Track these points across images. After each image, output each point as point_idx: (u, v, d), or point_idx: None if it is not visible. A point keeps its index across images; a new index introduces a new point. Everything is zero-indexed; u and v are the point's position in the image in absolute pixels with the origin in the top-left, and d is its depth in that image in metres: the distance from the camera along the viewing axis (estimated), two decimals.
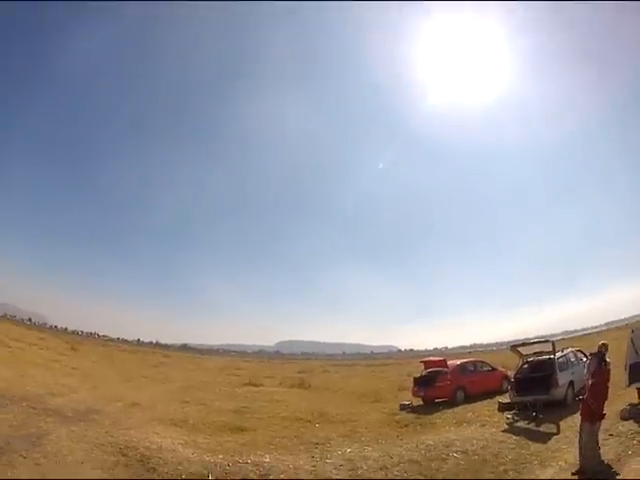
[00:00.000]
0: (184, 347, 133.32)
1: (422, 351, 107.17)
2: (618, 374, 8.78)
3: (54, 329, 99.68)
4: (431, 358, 20.19)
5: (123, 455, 8.98)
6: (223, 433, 11.84)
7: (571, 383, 13.59)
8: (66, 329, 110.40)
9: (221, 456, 9.27)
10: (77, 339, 65.20)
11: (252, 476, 8.29)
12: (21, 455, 8.03)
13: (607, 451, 7.86)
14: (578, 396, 9.16)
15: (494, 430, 11.46)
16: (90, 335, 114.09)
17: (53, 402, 12.92)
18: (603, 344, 9.44)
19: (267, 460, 9.11)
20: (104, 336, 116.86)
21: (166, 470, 8.33)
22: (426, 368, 18.48)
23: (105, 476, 7.83)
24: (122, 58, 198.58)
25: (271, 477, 8.29)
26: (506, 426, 11.99)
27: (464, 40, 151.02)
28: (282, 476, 8.37)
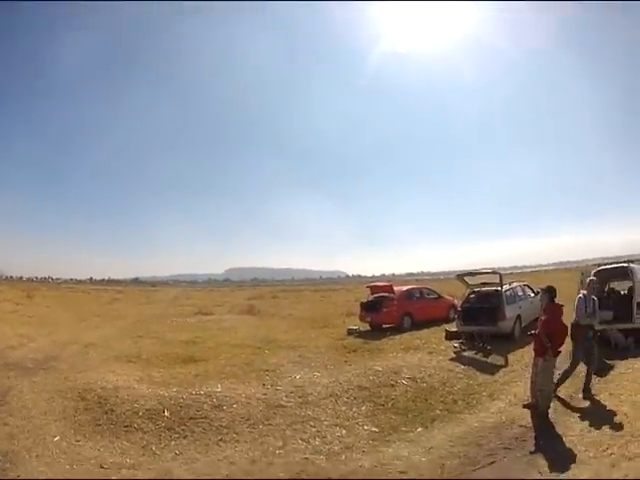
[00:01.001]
0: (135, 281, 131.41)
1: (369, 277, 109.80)
2: (568, 312, 8.36)
3: (10, 279, 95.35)
4: (377, 283, 19.76)
5: (82, 399, 8.86)
6: (176, 365, 11.70)
7: (518, 317, 13.34)
8: (21, 278, 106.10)
9: (175, 389, 9.21)
10: (32, 286, 62.66)
11: (206, 407, 8.33)
12: None
13: (558, 389, 8.00)
14: (528, 331, 9.01)
15: (441, 358, 11.36)
16: (44, 280, 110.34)
17: (13, 355, 12.45)
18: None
19: (219, 390, 9.11)
20: (57, 279, 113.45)
21: (123, 410, 8.28)
22: (372, 293, 18.04)
23: (69, 425, 7.75)
24: None
25: (224, 407, 8.35)
26: (453, 355, 11.75)
27: None
28: (235, 406, 8.42)
